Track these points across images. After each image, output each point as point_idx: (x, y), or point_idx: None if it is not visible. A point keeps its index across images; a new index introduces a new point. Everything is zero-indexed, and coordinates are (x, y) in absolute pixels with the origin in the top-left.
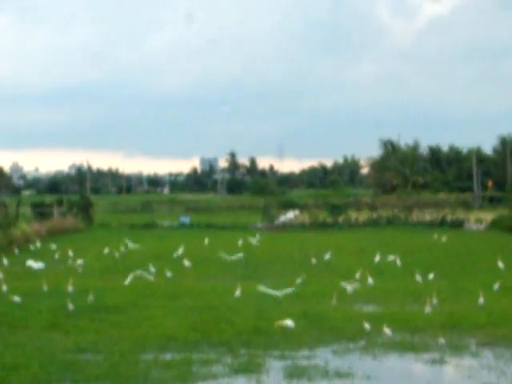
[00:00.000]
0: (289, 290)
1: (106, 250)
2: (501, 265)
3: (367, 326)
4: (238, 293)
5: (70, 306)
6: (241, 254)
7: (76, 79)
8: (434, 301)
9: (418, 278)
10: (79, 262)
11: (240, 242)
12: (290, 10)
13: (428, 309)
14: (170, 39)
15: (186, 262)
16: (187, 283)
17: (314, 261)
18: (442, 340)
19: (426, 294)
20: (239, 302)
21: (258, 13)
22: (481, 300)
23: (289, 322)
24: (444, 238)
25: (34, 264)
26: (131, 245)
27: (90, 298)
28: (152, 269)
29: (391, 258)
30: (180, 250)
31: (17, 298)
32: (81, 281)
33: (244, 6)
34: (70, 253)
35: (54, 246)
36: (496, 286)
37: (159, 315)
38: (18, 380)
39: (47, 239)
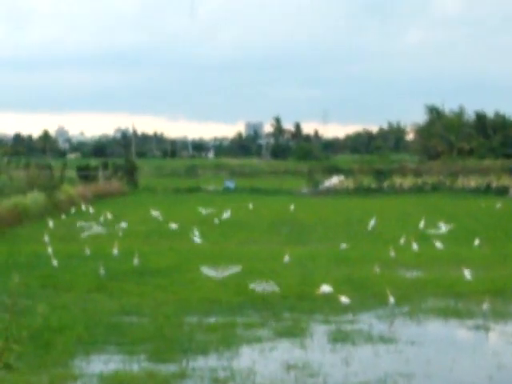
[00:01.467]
0: (235, 269)
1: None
2: None
3: (391, 299)
4: (286, 258)
5: (112, 268)
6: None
7: (121, 44)
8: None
9: (464, 243)
10: (123, 225)
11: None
12: None
13: (467, 275)
14: (213, 6)
15: (195, 238)
16: (231, 247)
17: (358, 226)
18: (485, 306)
19: (470, 259)
20: (283, 267)
21: None
22: None
23: (326, 288)
24: (499, 205)
25: (95, 227)
26: (155, 213)
27: (135, 261)
28: (196, 232)
29: (440, 226)
30: (225, 214)
31: (55, 262)
32: (125, 244)
33: None
34: (115, 216)
35: (99, 210)
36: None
37: (203, 279)
38: (63, 341)
39: (93, 202)
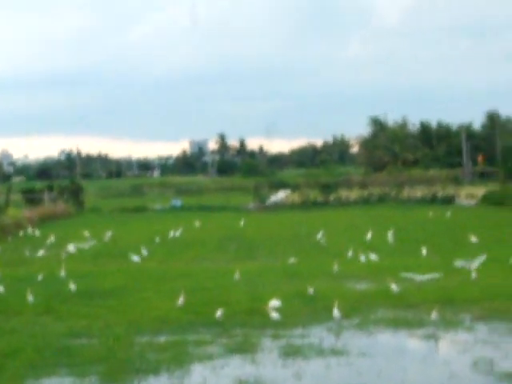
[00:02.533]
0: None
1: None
2: (473, 239)
3: (336, 312)
4: (237, 276)
5: (61, 290)
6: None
7: (64, 66)
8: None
9: (411, 254)
10: (71, 247)
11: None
12: None
13: (395, 288)
14: (157, 25)
15: (135, 257)
16: (180, 265)
17: (305, 240)
18: (435, 315)
19: (418, 269)
20: (233, 283)
21: None
22: (474, 275)
23: (275, 303)
24: (448, 214)
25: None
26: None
27: (72, 286)
28: (144, 251)
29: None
30: (173, 233)
31: (1, 288)
32: (73, 266)
33: None
34: (61, 238)
35: (45, 233)
36: (482, 259)
37: (153, 298)
38: (13, 365)
39: (39, 225)
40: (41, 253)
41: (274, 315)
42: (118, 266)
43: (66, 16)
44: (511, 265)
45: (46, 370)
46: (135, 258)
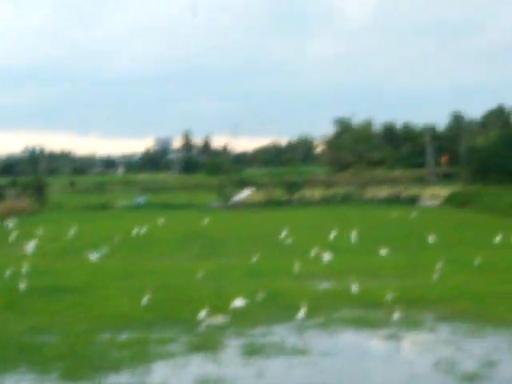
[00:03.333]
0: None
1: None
2: (431, 240)
3: (302, 312)
4: (200, 274)
5: (22, 287)
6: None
7: (26, 60)
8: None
9: (374, 254)
10: (33, 242)
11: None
12: None
13: (354, 288)
14: (121, 21)
15: (92, 255)
16: (143, 263)
17: (269, 239)
18: (397, 315)
19: (381, 269)
20: (196, 282)
21: None
22: (436, 275)
23: (239, 302)
24: (414, 214)
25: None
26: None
27: (22, 286)
28: (104, 249)
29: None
30: (137, 230)
31: None
32: (36, 262)
33: None
34: (24, 234)
35: (8, 226)
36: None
37: (115, 295)
38: None
39: (1, 221)
40: (2, 249)
41: (239, 303)
42: (81, 263)
43: (27, 11)
44: (475, 266)
45: (6, 367)
46: (94, 255)
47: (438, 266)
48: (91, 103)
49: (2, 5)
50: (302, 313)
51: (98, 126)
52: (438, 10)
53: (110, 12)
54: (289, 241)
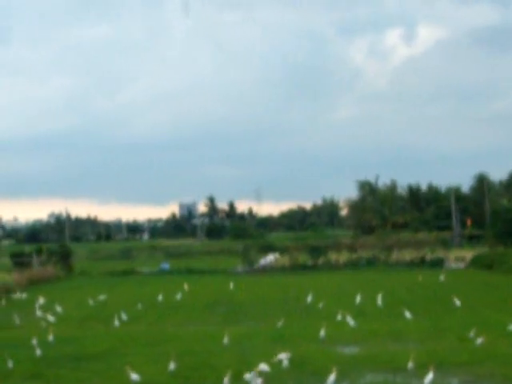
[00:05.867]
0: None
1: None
2: (457, 303)
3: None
4: (226, 340)
5: (48, 355)
6: None
7: (51, 129)
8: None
9: (400, 318)
10: (58, 310)
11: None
12: (269, 54)
13: (350, 322)
14: (144, 87)
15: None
16: (168, 329)
17: (294, 303)
18: (429, 379)
19: (407, 333)
20: (221, 347)
21: (235, 57)
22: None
23: (264, 367)
24: (442, 277)
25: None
26: (102, 297)
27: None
28: (124, 316)
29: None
30: (162, 296)
31: None
32: (61, 330)
33: (222, 50)
34: (49, 302)
35: (35, 296)
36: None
37: (140, 362)
38: None
39: (28, 289)
40: (29, 317)
41: (264, 368)
42: (106, 330)
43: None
44: (501, 329)
45: None
46: (118, 322)
47: (472, 332)
48: (114, 170)
49: (26, 75)
50: (331, 378)
51: (120, 192)
52: (460, 72)
53: (132, 78)
54: (314, 305)
